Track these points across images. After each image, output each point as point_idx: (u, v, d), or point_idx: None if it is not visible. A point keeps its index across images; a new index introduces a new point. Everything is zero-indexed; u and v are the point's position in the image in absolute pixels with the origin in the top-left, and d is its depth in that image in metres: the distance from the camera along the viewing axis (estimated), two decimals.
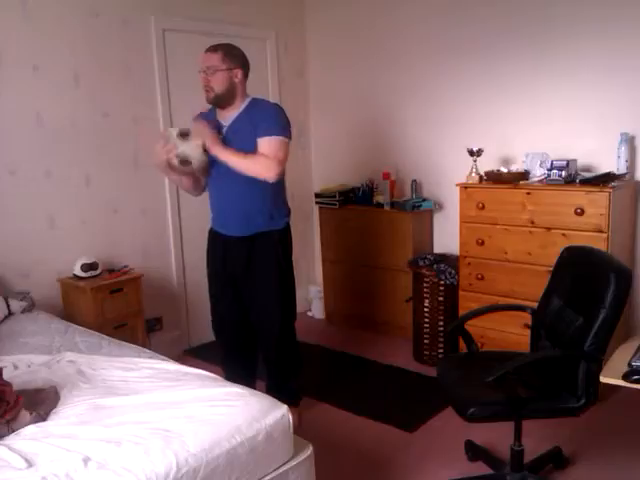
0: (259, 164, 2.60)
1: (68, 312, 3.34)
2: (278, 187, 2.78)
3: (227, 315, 2.98)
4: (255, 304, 2.90)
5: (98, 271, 3.37)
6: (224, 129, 2.74)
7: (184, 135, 2.61)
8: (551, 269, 2.56)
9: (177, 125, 3.80)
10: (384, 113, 4.33)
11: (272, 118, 2.67)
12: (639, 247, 3.39)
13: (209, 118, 2.78)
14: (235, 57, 2.71)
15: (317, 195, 4.49)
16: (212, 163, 2.79)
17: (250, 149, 2.65)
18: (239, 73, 2.71)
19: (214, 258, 2.96)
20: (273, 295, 2.85)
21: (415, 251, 4.00)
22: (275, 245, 2.80)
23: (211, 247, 2.97)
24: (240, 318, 2.96)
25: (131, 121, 3.66)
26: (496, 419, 2.28)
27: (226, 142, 2.68)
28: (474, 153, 3.49)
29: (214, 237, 2.94)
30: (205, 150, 2.62)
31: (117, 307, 3.32)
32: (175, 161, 2.62)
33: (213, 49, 2.70)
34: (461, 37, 3.84)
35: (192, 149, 2.61)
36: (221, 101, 2.72)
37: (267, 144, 2.62)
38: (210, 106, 2.81)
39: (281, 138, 2.65)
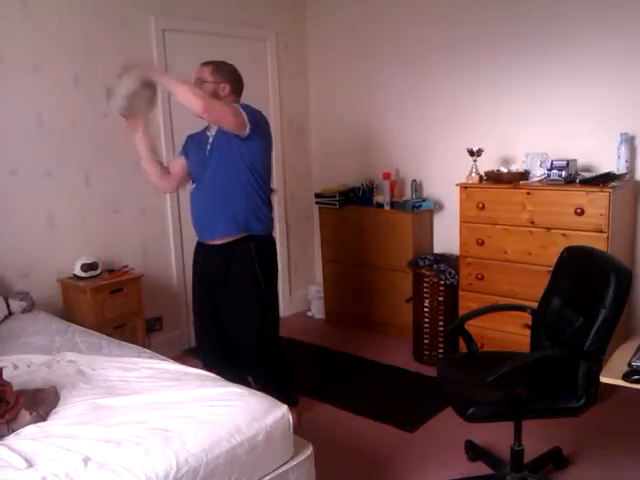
0: (192, 91, 2.52)
1: (68, 312, 3.34)
2: (256, 194, 2.77)
3: (209, 329, 2.96)
4: (232, 322, 2.87)
5: (98, 271, 3.37)
6: (210, 138, 2.79)
7: (121, 75, 2.58)
8: (551, 269, 2.56)
9: (176, 125, 3.82)
10: (384, 113, 4.33)
11: (244, 105, 2.73)
12: (639, 247, 3.39)
13: (201, 134, 2.87)
14: (224, 73, 2.77)
15: (317, 195, 4.49)
16: (192, 172, 2.85)
17: (231, 155, 2.70)
18: (226, 88, 2.77)
19: (195, 271, 2.97)
20: (251, 315, 2.82)
21: (415, 251, 4.00)
22: (252, 259, 2.77)
23: (194, 260, 2.99)
24: (221, 332, 2.93)
25: None
26: (496, 419, 2.28)
27: (211, 151, 2.77)
28: (474, 153, 3.49)
29: (196, 249, 2.96)
30: (146, 83, 2.58)
31: (117, 307, 3.32)
32: (120, 102, 2.58)
33: (205, 63, 2.80)
34: (461, 37, 3.84)
35: (129, 83, 2.55)
36: None
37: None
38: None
39: (236, 105, 2.67)
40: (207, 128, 2.86)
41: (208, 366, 2.98)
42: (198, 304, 3.00)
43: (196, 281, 2.99)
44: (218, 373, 2.91)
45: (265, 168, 2.81)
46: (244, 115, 2.62)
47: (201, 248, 2.92)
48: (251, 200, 2.76)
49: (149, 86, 2.60)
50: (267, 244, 2.87)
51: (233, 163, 2.71)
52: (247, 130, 2.63)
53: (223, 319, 2.91)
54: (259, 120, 2.72)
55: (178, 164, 2.97)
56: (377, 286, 4.23)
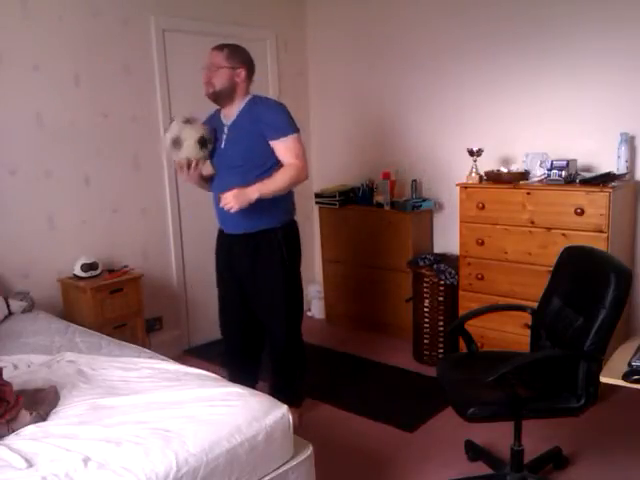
0: (289, 174, 2.65)
1: (68, 312, 3.34)
2: None
3: (234, 316, 2.99)
4: (261, 304, 2.90)
5: (98, 271, 3.37)
6: (225, 127, 2.77)
7: (186, 121, 2.68)
8: (551, 269, 2.56)
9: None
10: (384, 113, 4.33)
11: (279, 117, 2.70)
12: (639, 247, 3.39)
13: (213, 119, 2.84)
14: (239, 57, 2.75)
15: (317, 195, 4.49)
16: (212, 163, 2.81)
17: (251, 144, 2.69)
18: (242, 73, 2.73)
19: (220, 258, 2.98)
20: (278, 295, 2.85)
21: (415, 251, 4.00)
22: (279, 244, 2.79)
23: (218, 247, 2.99)
24: (247, 319, 2.96)
25: (131, 121, 3.66)
26: (496, 419, 2.28)
27: (228, 140, 2.75)
28: (474, 153, 3.48)
29: (220, 237, 2.96)
30: (201, 142, 2.66)
31: (117, 307, 3.32)
32: (168, 142, 2.68)
33: (219, 48, 2.74)
34: (461, 37, 3.84)
35: (186, 132, 2.66)
36: (220, 98, 2.75)
37: (284, 147, 2.66)
38: (213, 111, 2.87)
39: (294, 136, 2.68)
40: (223, 115, 2.82)
41: (227, 360, 3.08)
42: (224, 293, 3.01)
43: (220, 272, 2.99)
44: (234, 367, 2.98)
45: None
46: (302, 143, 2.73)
47: (225, 237, 2.91)
48: None
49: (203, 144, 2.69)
50: (292, 228, 2.89)
51: (251, 155, 2.70)
52: None
53: (252, 306, 2.93)
54: (294, 123, 2.75)
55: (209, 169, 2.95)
56: (377, 286, 4.23)
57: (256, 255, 2.81)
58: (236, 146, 2.73)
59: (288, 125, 2.68)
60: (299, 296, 2.97)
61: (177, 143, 2.66)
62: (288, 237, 2.84)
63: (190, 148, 2.67)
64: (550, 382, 2.27)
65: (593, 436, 2.81)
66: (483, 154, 3.51)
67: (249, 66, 2.77)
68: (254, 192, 2.59)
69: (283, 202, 2.81)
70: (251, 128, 2.68)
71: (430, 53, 4.01)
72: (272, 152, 2.69)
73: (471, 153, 3.50)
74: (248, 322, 2.97)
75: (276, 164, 2.72)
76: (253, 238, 2.79)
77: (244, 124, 2.71)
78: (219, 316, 3.07)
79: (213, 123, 2.82)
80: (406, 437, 2.89)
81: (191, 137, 2.67)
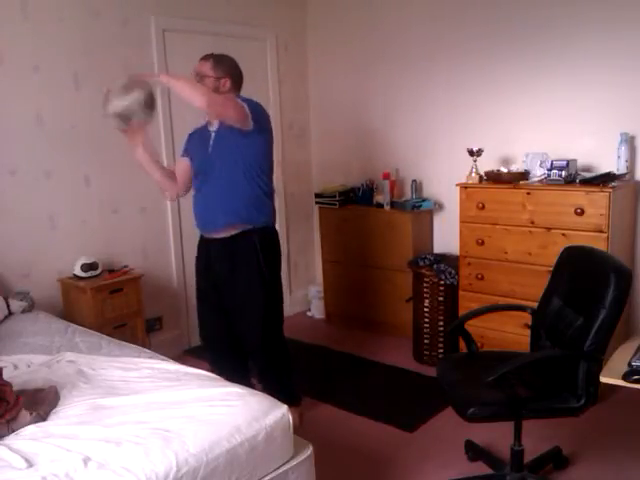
0: (193, 87, 2.57)
1: (68, 312, 3.34)
2: (257, 186, 2.78)
3: (212, 322, 2.98)
4: (237, 314, 2.89)
5: (98, 271, 3.37)
6: (213, 134, 2.79)
7: (126, 89, 2.52)
8: (551, 269, 2.56)
9: (176, 125, 3.82)
10: (384, 113, 4.33)
11: (244, 98, 2.73)
12: (639, 247, 3.39)
13: (203, 130, 2.85)
14: (225, 67, 2.76)
15: (317, 195, 4.49)
16: (196, 169, 2.85)
17: (233, 149, 2.71)
18: (227, 83, 2.76)
19: (199, 265, 2.99)
20: (255, 306, 2.83)
21: (415, 251, 4.00)
22: (256, 252, 2.78)
23: (198, 253, 3.00)
24: (226, 326, 2.95)
25: None
26: (496, 419, 2.28)
27: (214, 147, 2.77)
28: (474, 153, 3.49)
29: (200, 243, 2.97)
30: (148, 104, 2.55)
31: (117, 307, 3.32)
32: (113, 119, 2.56)
33: (205, 57, 2.78)
34: (461, 38, 3.84)
35: (128, 100, 2.51)
36: None
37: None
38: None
39: (237, 99, 2.66)
40: (208, 124, 2.84)
41: (215, 367, 3.00)
42: (202, 301, 3.01)
43: (199, 278, 3.00)
44: (224, 374, 2.96)
45: (267, 160, 2.82)
46: (246, 108, 2.63)
47: (204, 243, 2.92)
48: (253, 192, 2.77)
49: (145, 99, 2.55)
50: (270, 236, 2.88)
51: (235, 157, 2.71)
52: (250, 123, 2.63)
53: (229, 313, 2.92)
54: (260, 113, 2.72)
55: (182, 166, 2.96)
56: (377, 286, 4.23)
57: (233, 258, 2.81)
58: (221, 150, 2.75)
59: (244, 100, 2.68)
60: (278, 306, 2.95)
61: (125, 117, 2.54)
62: (265, 242, 2.83)
63: (139, 114, 2.55)
64: (550, 382, 2.27)
65: (593, 436, 2.81)
66: (483, 154, 3.51)
67: (234, 76, 2.79)
68: (164, 76, 2.69)
69: (261, 205, 2.81)
70: (232, 132, 2.68)
71: (430, 53, 4.01)
72: (257, 154, 2.73)
73: (471, 153, 3.50)
74: (227, 328, 2.94)
75: (263, 167, 2.76)
76: (230, 243, 2.79)
77: (227, 130, 2.70)
78: (198, 322, 3.05)
79: (202, 131, 2.85)
80: (406, 437, 2.89)
81: (138, 103, 2.52)
